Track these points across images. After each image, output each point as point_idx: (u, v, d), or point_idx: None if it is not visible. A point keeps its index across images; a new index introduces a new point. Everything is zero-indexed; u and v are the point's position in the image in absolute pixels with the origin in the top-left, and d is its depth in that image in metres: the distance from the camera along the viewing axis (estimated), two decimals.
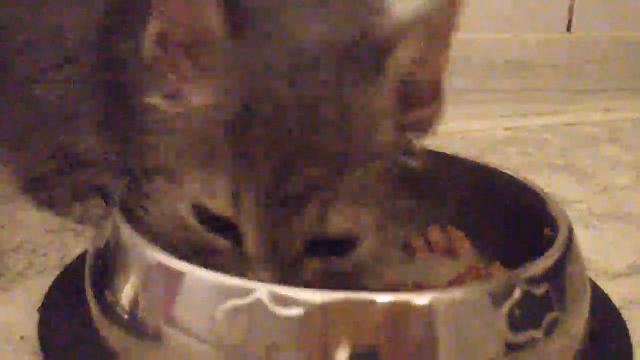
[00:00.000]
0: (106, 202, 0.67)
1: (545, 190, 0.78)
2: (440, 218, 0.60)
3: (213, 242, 0.42)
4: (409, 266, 0.57)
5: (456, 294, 0.40)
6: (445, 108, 0.44)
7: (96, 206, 0.67)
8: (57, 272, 0.56)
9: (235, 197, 0.39)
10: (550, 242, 0.48)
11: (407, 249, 0.59)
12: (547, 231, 0.50)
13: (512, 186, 0.57)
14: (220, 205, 0.39)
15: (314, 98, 0.39)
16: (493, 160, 0.82)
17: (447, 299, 0.39)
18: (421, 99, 0.43)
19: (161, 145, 0.43)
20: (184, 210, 0.42)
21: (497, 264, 0.53)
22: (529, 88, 1.14)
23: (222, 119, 0.40)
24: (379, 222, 0.42)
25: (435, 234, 0.59)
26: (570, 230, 0.48)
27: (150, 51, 0.43)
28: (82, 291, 0.49)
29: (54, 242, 0.64)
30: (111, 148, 0.63)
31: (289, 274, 0.40)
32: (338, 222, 0.39)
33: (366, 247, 0.42)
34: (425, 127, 0.44)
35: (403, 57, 0.41)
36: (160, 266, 0.42)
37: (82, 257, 0.56)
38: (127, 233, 0.45)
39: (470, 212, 0.59)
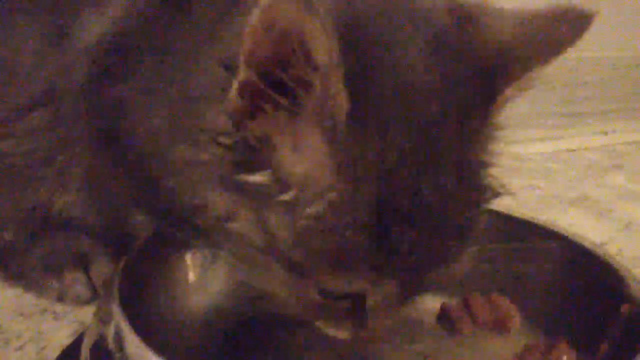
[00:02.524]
0: (89, 276, 0.58)
1: (567, 229, 0.73)
2: (484, 283, 0.52)
3: (332, 307, 0.41)
4: (453, 344, 0.50)
5: None
6: None
7: (76, 282, 0.58)
8: None
9: (377, 290, 0.39)
10: (629, 322, 0.42)
11: (447, 321, 0.51)
12: (624, 308, 0.43)
13: (576, 251, 0.50)
14: (357, 290, 0.39)
15: (445, 184, 0.37)
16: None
17: None
18: None
19: (269, 220, 0.38)
20: (311, 292, 0.40)
21: (564, 343, 0.46)
22: (526, 113, 1.09)
23: (358, 220, 0.36)
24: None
25: (478, 303, 0.52)
26: None
27: (233, 103, 0.37)
28: None
29: (28, 329, 0.55)
30: (95, 205, 0.57)
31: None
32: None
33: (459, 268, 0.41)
34: None
35: (511, 94, 0.39)
36: None
37: (67, 352, 0.49)
38: (135, 344, 0.37)
39: (518, 277, 0.51)
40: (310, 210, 0.36)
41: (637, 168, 1.03)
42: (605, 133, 1.17)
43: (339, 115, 0.34)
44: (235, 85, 0.36)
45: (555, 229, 0.53)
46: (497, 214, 0.49)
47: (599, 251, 0.49)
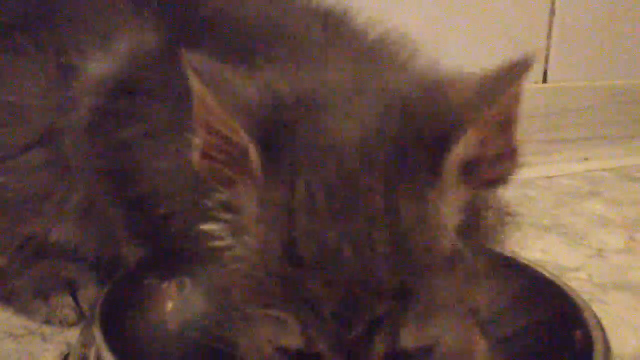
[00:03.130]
0: (76, 301, 0.61)
1: (539, 256, 0.76)
2: None
3: None
4: None
5: None
6: (520, 158, 0.40)
7: (64, 306, 0.61)
8: None
9: (309, 340, 0.36)
10: (582, 348, 0.45)
11: None
12: (577, 334, 0.46)
13: (535, 280, 0.53)
14: (295, 344, 0.37)
15: (360, 233, 0.35)
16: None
17: None
18: (493, 160, 0.39)
19: (227, 278, 0.39)
20: (264, 346, 0.38)
21: None
22: None
23: (270, 268, 0.36)
24: (459, 315, 0.38)
25: None
26: (607, 340, 0.44)
27: (199, 165, 0.40)
28: None
29: (18, 350, 0.57)
30: (89, 235, 0.59)
31: None
32: (411, 341, 0.36)
33: (449, 342, 0.38)
34: (499, 182, 0.41)
35: (465, 148, 0.37)
36: None
37: None
38: None
39: (485, 308, 0.54)
40: (244, 257, 0.37)
41: (614, 195, 1.05)
42: (586, 159, 1.20)
43: (257, 174, 0.37)
44: (195, 149, 0.39)
45: (520, 259, 0.55)
46: None
47: (558, 281, 0.52)
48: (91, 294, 0.61)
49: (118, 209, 0.55)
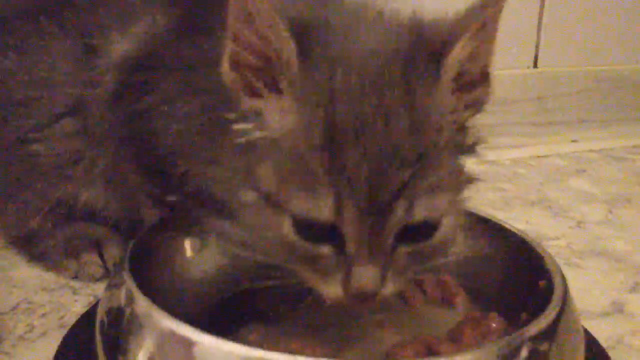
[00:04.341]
0: (102, 258, 0.68)
1: (523, 226, 0.82)
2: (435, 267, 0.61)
3: (315, 251, 0.45)
4: (408, 315, 0.58)
5: (466, 357, 0.42)
6: (493, 87, 0.48)
7: (91, 263, 0.68)
8: (59, 334, 0.56)
9: (338, 208, 0.42)
10: (545, 295, 0.50)
11: (403, 297, 0.60)
12: (542, 283, 0.53)
13: (508, 239, 0.59)
14: (324, 215, 0.43)
15: (389, 109, 0.43)
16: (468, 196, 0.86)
17: None
18: (473, 83, 0.47)
19: (256, 170, 0.46)
20: (286, 228, 0.45)
21: (493, 313, 0.55)
22: (498, 122, 1.17)
23: (313, 142, 0.43)
24: (454, 202, 0.47)
25: (430, 283, 0.61)
26: (565, 285, 0.50)
27: (227, 76, 0.46)
28: (89, 354, 0.49)
29: (50, 301, 0.64)
30: (114, 198, 0.66)
31: (386, 264, 0.44)
32: (421, 212, 0.44)
33: (446, 225, 0.47)
34: (476, 105, 0.48)
35: (458, 56, 0.45)
36: (174, 334, 0.43)
37: (83, 319, 0.57)
38: (142, 302, 0.46)
39: (465, 262, 0.60)
40: (280, 140, 0.44)
41: (599, 173, 1.11)
42: (575, 141, 1.24)
43: (293, 69, 0.44)
44: (225, 58, 0.46)
45: (490, 218, 0.62)
46: None
47: (524, 236, 0.58)
48: (115, 252, 0.68)
49: (139, 174, 0.62)
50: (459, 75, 0.46)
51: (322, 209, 0.43)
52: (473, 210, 0.64)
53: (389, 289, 0.46)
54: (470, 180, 0.50)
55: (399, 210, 0.43)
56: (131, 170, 0.62)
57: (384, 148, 0.42)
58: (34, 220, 0.68)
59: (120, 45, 0.61)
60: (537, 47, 1.22)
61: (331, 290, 0.46)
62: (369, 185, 0.42)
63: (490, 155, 1.10)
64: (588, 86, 1.26)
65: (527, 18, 1.20)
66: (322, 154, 0.42)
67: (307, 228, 0.44)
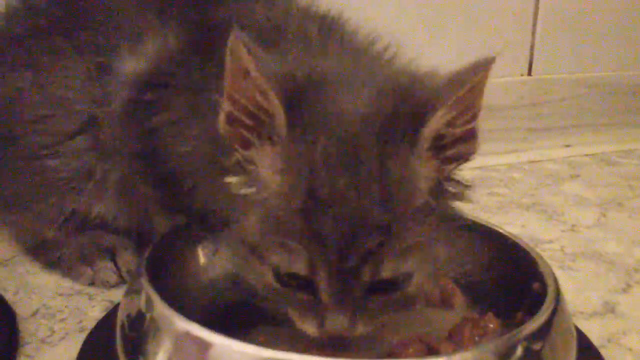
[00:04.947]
0: (115, 265, 0.70)
1: (518, 230, 0.85)
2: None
3: (295, 296, 0.49)
4: (409, 316, 0.61)
5: (464, 357, 0.45)
6: (479, 142, 0.50)
7: (106, 268, 0.70)
8: (79, 337, 0.59)
9: (312, 266, 0.46)
10: (539, 296, 0.53)
11: None
12: (536, 285, 0.56)
13: (503, 243, 0.62)
14: (300, 271, 0.47)
15: (361, 181, 0.45)
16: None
17: None
18: (457, 140, 0.49)
19: (244, 221, 0.49)
20: (269, 277, 0.49)
21: (490, 314, 0.58)
22: (494, 129, 1.20)
23: (294, 206, 0.45)
24: (426, 259, 0.49)
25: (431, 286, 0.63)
26: (558, 287, 0.53)
27: (223, 129, 0.49)
28: (110, 357, 0.52)
29: (68, 306, 0.67)
30: (124, 209, 0.68)
31: (357, 310, 0.48)
32: (388, 273, 0.47)
33: (416, 280, 0.50)
34: (461, 159, 0.50)
35: (437, 124, 0.47)
36: (191, 336, 0.47)
37: (102, 323, 0.60)
38: (161, 306, 0.49)
39: (462, 265, 0.64)
40: (265, 200, 0.47)
41: (592, 177, 1.14)
42: (568, 145, 1.27)
43: (282, 134, 0.47)
44: (222, 115, 0.48)
45: (487, 224, 0.65)
46: None
47: (519, 241, 0.61)
48: (128, 259, 0.70)
49: (149, 186, 0.64)
50: (437, 139, 0.48)
51: (299, 266, 0.47)
52: (469, 216, 0.67)
53: (360, 330, 0.49)
54: (459, 223, 0.52)
55: (367, 272, 0.46)
56: (142, 184, 0.64)
57: (354, 217, 0.45)
58: (49, 230, 0.70)
59: (132, 64, 0.63)
60: (531, 55, 1.25)
61: (308, 328, 0.49)
62: (339, 250, 0.45)
63: (486, 161, 1.15)
64: (581, 93, 1.29)
65: (522, 27, 1.23)
66: (301, 218, 0.45)
67: (287, 278, 0.48)
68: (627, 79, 1.34)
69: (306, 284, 0.48)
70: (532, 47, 1.25)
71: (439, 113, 0.46)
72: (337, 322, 0.48)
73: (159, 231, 0.65)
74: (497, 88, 1.19)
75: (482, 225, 0.65)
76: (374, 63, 0.57)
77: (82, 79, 0.65)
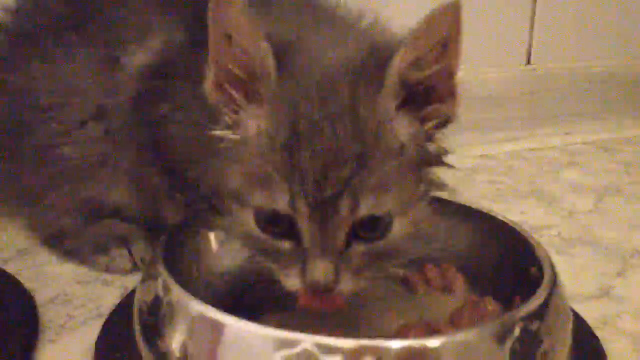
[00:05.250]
0: (130, 253, 0.73)
1: (517, 217, 0.87)
2: (437, 257, 0.67)
3: (276, 245, 0.51)
4: (412, 301, 0.64)
5: (464, 336, 0.47)
6: (459, 104, 0.52)
7: (120, 256, 0.73)
8: (97, 322, 0.62)
9: (292, 202, 0.48)
10: (536, 280, 0.56)
11: (407, 284, 0.66)
12: (533, 270, 0.58)
13: (502, 229, 0.65)
14: (281, 208, 0.49)
15: (336, 115, 0.49)
16: (465, 190, 0.91)
17: (457, 341, 0.46)
18: (437, 96, 0.51)
19: (228, 172, 0.52)
20: (251, 223, 0.51)
21: (489, 298, 0.60)
22: (493, 117, 1.23)
23: (278, 142, 0.49)
24: (405, 205, 0.51)
25: (432, 271, 0.66)
26: (554, 271, 0.56)
27: (211, 95, 0.52)
28: (129, 340, 0.55)
29: (85, 293, 0.69)
30: (137, 198, 0.71)
31: (341, 260, 0.50)
32: (366, 208, 0.49)
33: (398, 227, 0.51)
34: (442, 119, 0.52)
35: (399, 63, 0.49)
36: (205, 318, 0.49)
37: (119, 308, 0.63)
38: (177, 290, 0.52)
39: (463, 251, 0.66)
40: (248, 140, 0.50)
41: (589, 164, 1.16)
42: (567, 133, 1.29)
43: (269, 83, 0.50)
44: (208, 82, 0.52)
45: (486, 211, 0.67)
46: (440, 200, 0.59)
47: (517, 227, 0.63)
48: (141, 247, 0.73)
49: (158, 176, 0.67)
50: (406, 85, 0.50)
51: (279, 203, 0.49)
52: (469, 203, 0.70)
53: (345, 285, 0.50)
54: (440, 187, 0.55)
55: (345, 205, 0.48)
56: (152, 172, 0.67)
57: (328, 149, 0.48)
58: (64, 219, 0.73)
59: (139, 57, 0.66)
60: (529, 44, 1.27)
61: (290, 281, 0.51)
62: (316, 182, 0.48)
63: (486, 149, 1.17)
64: (579, 81, 1.31)
65: (520, 17, 1.25)
66: (282, 154, 0.48)
67: (269, 224, 0.51)
68: (625, 67, 1.36)
69: (289, 231, 0.50)
70: (530, 37, 1.26)
71: (401, 52, 0.49)
72: (320, 269, 0.49)
73: (169, 220, 0.68)
74: (496, 77, 1.21)
75: (481, 212, 0.67)
76: (352, 28, 0.60)
77: (93, 70, 0.67)
